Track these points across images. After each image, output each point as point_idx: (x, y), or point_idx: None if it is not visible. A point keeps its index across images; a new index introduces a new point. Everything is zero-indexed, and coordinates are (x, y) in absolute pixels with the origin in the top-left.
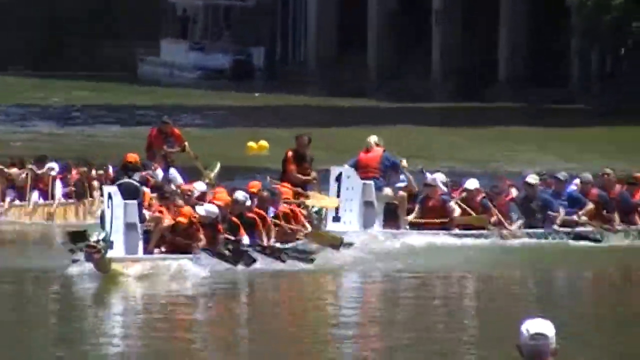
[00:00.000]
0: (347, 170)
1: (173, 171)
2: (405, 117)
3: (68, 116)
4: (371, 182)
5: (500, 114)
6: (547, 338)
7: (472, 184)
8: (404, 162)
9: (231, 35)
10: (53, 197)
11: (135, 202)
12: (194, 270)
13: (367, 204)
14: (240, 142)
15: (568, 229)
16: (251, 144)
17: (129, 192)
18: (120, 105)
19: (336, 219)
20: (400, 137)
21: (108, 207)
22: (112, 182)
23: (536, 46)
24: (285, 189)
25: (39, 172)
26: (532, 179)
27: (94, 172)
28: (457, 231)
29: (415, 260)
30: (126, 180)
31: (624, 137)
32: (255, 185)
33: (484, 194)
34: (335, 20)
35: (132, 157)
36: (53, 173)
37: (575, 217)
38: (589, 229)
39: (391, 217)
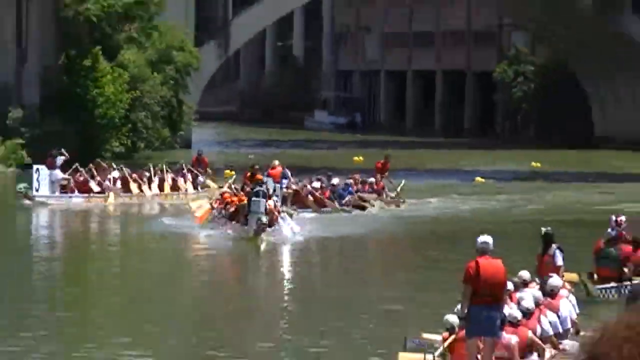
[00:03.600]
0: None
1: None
2: None
3: None
4: (278, 185)
5: None
6: None
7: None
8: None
9: None
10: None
11: (263, 200)
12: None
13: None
14: None
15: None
16: None
17: (263, 195)
18: None
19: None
20: None
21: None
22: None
23: None
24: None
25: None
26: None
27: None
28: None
29: None
30: (260, 188)
31: None
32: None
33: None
34: None
35: (260, 177)
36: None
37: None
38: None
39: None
